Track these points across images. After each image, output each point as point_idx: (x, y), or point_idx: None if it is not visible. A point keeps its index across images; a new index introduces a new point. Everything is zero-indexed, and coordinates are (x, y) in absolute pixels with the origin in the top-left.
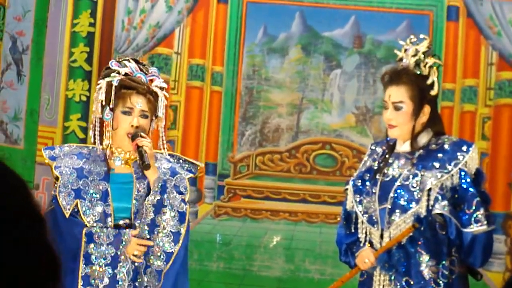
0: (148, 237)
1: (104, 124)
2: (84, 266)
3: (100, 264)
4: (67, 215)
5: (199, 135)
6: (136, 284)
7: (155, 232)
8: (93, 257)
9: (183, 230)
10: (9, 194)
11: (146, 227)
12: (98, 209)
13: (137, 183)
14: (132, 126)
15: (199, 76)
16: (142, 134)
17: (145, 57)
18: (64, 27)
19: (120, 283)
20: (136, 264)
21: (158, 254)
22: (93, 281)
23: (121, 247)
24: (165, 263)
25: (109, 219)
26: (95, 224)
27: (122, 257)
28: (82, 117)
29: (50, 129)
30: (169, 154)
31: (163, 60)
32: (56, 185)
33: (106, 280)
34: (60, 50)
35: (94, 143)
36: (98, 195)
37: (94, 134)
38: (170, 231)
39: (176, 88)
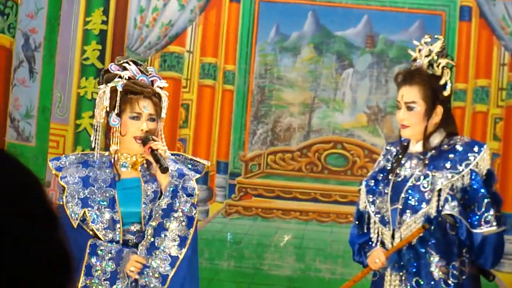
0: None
1: (112, 130)
2: (85, 277)
3: (100, 277)
4: (75, 225)
5: (210, 134)
6: None
7: (162, 236)
8: (93, 270)
9: (190, 236)
10: (23, 191)
11: (152, 231)
12: (106, 216)
13: (146, 186)
14: (141, 130)
15: (211, 75)
16: (154, 137)
17: (158, 55)
18: (76, 24)
19: None
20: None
21: (164, 258)
22: None
23: (121, 263)
24: (170, 267)
25: (117, 226)
26: (104, 232)
27: (121, 274)
28: (94, 115)
29: (61, 127)
30: (174, 154)
31: (175, 58)
32: (61, 195)
33: None
34: (72, 48)
35: (94, 148)
36: (105, 202)
37: (96, 140)
38: (178, 235)
39: (188, 86)
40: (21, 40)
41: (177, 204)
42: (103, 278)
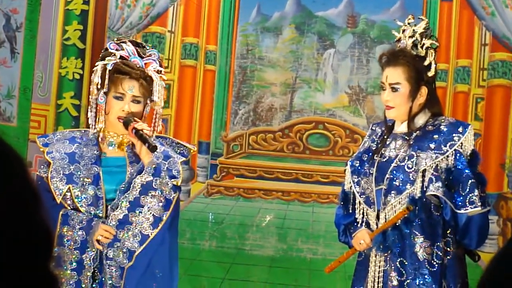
0: (126, 213)
1: (98, 108)
2: (57, 247)
3: (70, 247)
4: (58, 201)
5: (192, 114)
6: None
7: (136, 212)
8: (65, 239)
9: (165, 217)
10: (6, 170)
11: (127, 204)
12: (90, 193)
13: (130, 167)
14: (123, 111)
15: (192, 55)
16: (135, 118)
17: (139, 35)
18: (57, 5)
19: (86, 268)
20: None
21: (135, 234)
22: (63, 263)
23: (90, 232)
24: (139, 244)
25: (101, 202)
26: (87, 208)
27: (90, 242)
28: (76, 95)
29: (43, 107)
30: (161, 137)
31: (156, 38)
32: (45, 169)
33: (74, 264)
34: (53, 28)
35: (89, 125)
36: (89, 179)
37: (90, 116)
38: (153, 214)
39: (169, 66)
40: (2, 21)
41: (157, 183)
42: (74, 247)
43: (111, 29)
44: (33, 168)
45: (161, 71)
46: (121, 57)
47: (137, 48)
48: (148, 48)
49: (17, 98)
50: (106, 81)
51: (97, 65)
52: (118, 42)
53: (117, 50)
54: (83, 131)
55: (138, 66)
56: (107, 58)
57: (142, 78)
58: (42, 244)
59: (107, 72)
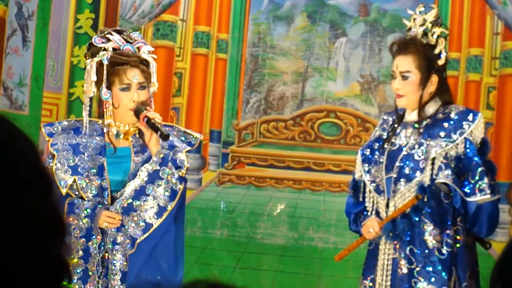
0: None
1: (105, 104)
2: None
3: (77, 235)
4: (63, 193)
5: (204, 103)
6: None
7: (141, 201)
8: (71, 228)
9: (169, 207)
10: (19, 156)
11: (132, 192)
12: (95, 184)
13: (135, 157)
14: (134, 101)
15: (204, 44)
16: (146, 108)
17: (151, 24)
18: None
19: (92, 255)
20: (107, 238)
21: (139, 222)
22: (71, 251)
23: (95, 219)
24: (142, 232)
25: (106, 192)
26: (93, 199)
27: (95, 230)
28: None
29: (55, 95)
30: (168, 126)
31: (168, 27)
32: (50, 161)
33: (81, 252)
34: (65, 16)
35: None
36: (94, 170)
37: (85, 116)
38: (158, 204)
39: (181, 55)
40: (14, 9)
41: (164, 173)
42: (80, 235)
43: (123, 17)
44: (44, 156)
45: (152, 50)
46: (113, 49)
47: (122, 35)
48: (129, 32)
49: (29, 87)
50: (105, 76)
51: (89, 63)
52: (102, 35)
53: (103, 43)
54: (84, 125)
55: (132, 52)
56: (100, 53)
57: (140, 63)
58: (54, 229)
59: (105, 67)
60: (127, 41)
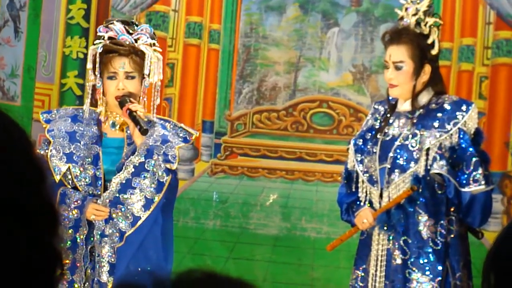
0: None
1: (97, 92)
2: None
3: (66, 225)
4: (57, 180)
5: (196, 93)
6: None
7: (128, 194)
8: (61, 218)
9: (156, 199)
10: (12, 146)
11: (118, 186)
12: (89, 173)
13: (127, 148)
14: (118, 89)
15: (196, 34)
16: (131, 99)
17: (143, 14)
18: None
19: (79, 246)
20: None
21: (127, 215)
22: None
23: (83, 211)
24: (130, 225)
25: (99, 182)
26: (86, 188)
27: (83, 222)
28: (79, 74)
29: (47, 86)
30: (164, 120)
31: (160, 17)
32: (45, 147)
33: (69, 243)
34: (57, 7)
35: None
36: (89, 159)
37: (86, 103)
38: (145, 196)
39: (173, 45)
40: (6, 0)
41: (150, 165)
42: (69, 225)
43: (115, 8)
44: (36, 147)
45: (153, 43)
46: (110, 38)
47: (126, 26)
48: (138, 24)
49: (21, 77)
50: (97, 64)
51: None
52: (107, 24)
53: (106, 32)
54: (85, 112)
55: (127, 43)
56: (96, 42)
57: (133, 53)
58: (47, 221)
59: (98, 55)
60: (128, 32)
